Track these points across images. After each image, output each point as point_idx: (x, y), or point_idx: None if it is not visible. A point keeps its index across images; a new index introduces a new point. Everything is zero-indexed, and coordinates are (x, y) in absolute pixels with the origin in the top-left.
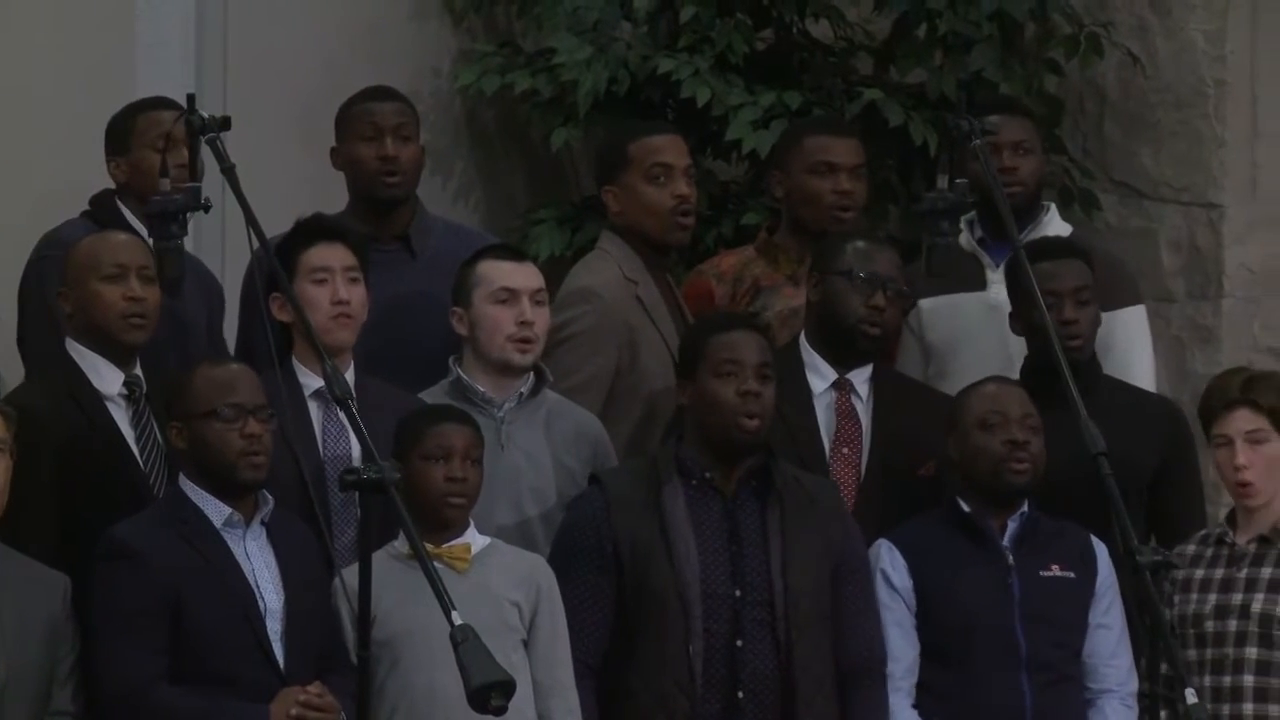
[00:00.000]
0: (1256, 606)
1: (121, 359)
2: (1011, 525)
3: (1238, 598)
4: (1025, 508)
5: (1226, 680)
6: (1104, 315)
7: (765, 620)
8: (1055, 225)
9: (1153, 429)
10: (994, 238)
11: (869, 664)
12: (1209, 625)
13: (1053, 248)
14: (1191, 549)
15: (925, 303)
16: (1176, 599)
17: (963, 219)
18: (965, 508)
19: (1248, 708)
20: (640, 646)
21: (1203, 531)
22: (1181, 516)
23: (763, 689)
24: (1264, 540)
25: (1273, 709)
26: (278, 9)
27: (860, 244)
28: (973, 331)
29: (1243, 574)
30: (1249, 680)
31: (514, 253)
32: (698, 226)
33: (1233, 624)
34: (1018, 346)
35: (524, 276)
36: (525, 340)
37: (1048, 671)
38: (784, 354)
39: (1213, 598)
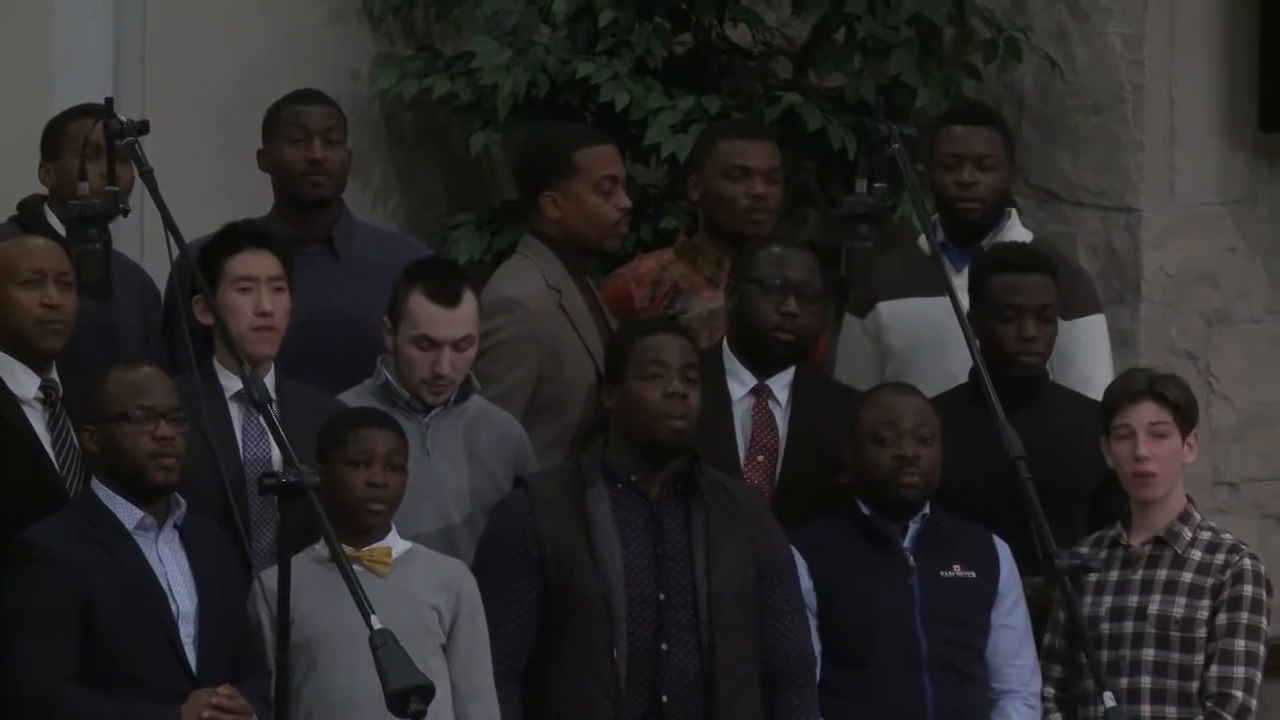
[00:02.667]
0: (1153, 609)
1: (37, 363)
2: (912, 527)
3: (1133, 600)
4: (927, 509)
5: (1124, 682)
6: (1064, 324)
7: (689, 623)
8: (1016, 232)
9: (1098, 437)
10: (956, 242)
11: (800, 664)
12: (1105, 627)
13: (1020, 259)
14: (1085, 550)
15: (885, 306)
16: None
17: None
18: (865, 510)
19: (1145, 709)
20: (564, 649)
21: (1096, 534)
22: None
23: (686, 692)
24: (1159, 541)
25: (1170, 710)
26: (196, 13)
27: (774, 250)
28: (935, 337)
29: (1138, 576)
30: (1146, 682)
31: (448, 291)
32: None
33: (1129, 626)
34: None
35: (449, 327)
36: (438, 387)
37: (950, 672)
38: (705, 359)
39: (1108, 600)
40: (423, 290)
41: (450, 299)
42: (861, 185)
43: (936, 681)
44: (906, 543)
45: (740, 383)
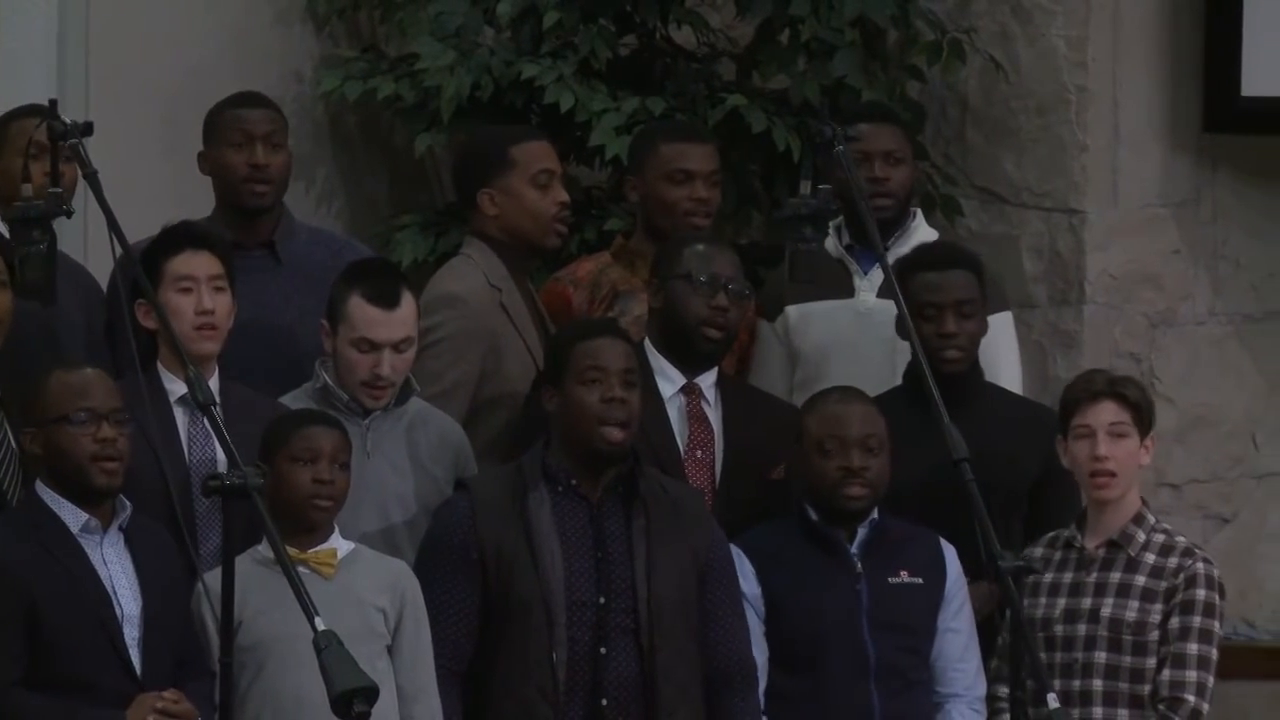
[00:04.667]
0: (1106, 611)
1: None
2: (861, 533)
3: (1087, 602)
4: (875, 514)
5: (1076, 684)
6: None
7: (629, 627)
8: (922, 231)
9: (1034, 437)
10: (862, 244)
11: (741, 668)
12: (1058, 629)
13: (939, 257)
14: (1040, 551)
15: (792, 309)
16: (1025, 602)
17: (830, 225)
18: (813, 516)
19: (1097, 711)
20: (504, 653)
21: (1050, 534)
22: (1060, 523)
23: (626, 696)
24: (1113, 544)
25: (1121, 713)
26: (140, 14)
27: (699, 247)
28: (842, 339)
29: (1092, 578)
30: (1098, 684)
31: (387, 294)
32: None
33: (1082, 628)
34: (888, 353)
35: (388, 329)
36: (378, 389)
37: (896, 679)
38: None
39: (1061, 601)
40: (361, 293)
41: (389, 301)
42: (806, 187)
43: (883, 689)
44: (854, 549)
45: (669, 381)
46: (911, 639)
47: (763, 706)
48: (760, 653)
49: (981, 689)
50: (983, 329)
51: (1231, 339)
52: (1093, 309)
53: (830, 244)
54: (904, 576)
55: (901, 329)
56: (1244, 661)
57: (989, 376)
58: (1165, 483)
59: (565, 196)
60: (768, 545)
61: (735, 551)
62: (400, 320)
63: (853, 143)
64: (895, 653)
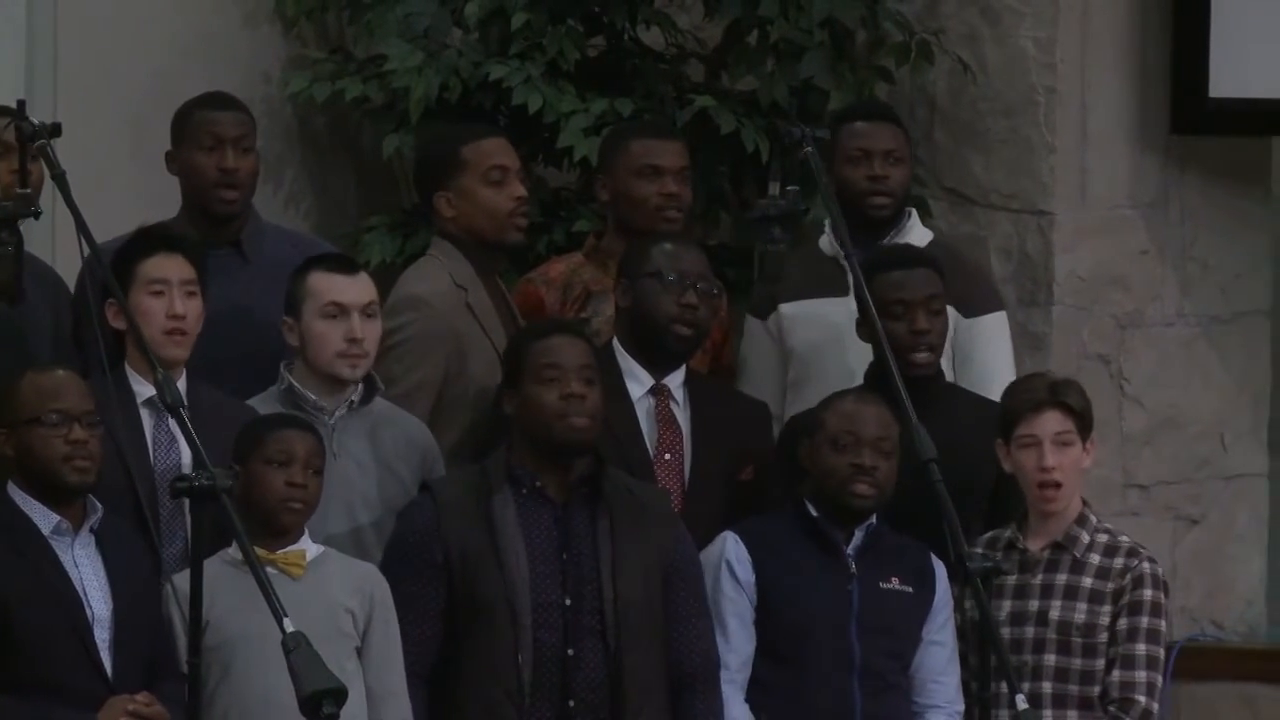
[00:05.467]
0: (1054, 614)
1: None
2: (858, 535)
3: (1034, 604)
4: (873, 520)
5: (1025, 687)
6: (965, 321)
7: (595, 628)
8: (917, 231)
9: (995, 436)
10: (856, 242)
11: (704, 669)
12: (1005, 632)
13: (903, 256)
14: (979, 553)
15: (786, 308)
16: (968, 604)
17: (825, 223)
18: (814, 512)
19: (1047, 714)
20: (470, 655)
21: (989, 534)
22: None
23: (593, 697)
24: (1057, 546)
25: (1071, 714)
26: (108, 16)
27: (667, 245)
28: (836, 337)
29: (1037, 580)
30: (1047, 687)
31: (345, 264)
32: (530, 233)
33: (1030, 631)
34: None
35: (354, 291)
36: (354, 355)
37: (878, 680)
38: (602, 360)
39: (1007, 604)
40: (320, 267)
41: (348, 268)
42: (774, 188)
43: (865, 688)
44: (850, 550)
45: (638, 382)
46: (896, 644)
47: (746, 695)
48: (749, 640)
49: (961, 705)
50: (947, 325)
51: (1200, 340)
52: (1061, 310)
53: (825, 242)
54: (895, 583)
55: (863, 331)
56: (1213, 662)
57: (985, 377)
58: (1134, 484)
59: (522, 191)
60: (766, 535)
61: (734, 537)
62: (364, 283)
63: (851, 141)
64: (879, 656)
